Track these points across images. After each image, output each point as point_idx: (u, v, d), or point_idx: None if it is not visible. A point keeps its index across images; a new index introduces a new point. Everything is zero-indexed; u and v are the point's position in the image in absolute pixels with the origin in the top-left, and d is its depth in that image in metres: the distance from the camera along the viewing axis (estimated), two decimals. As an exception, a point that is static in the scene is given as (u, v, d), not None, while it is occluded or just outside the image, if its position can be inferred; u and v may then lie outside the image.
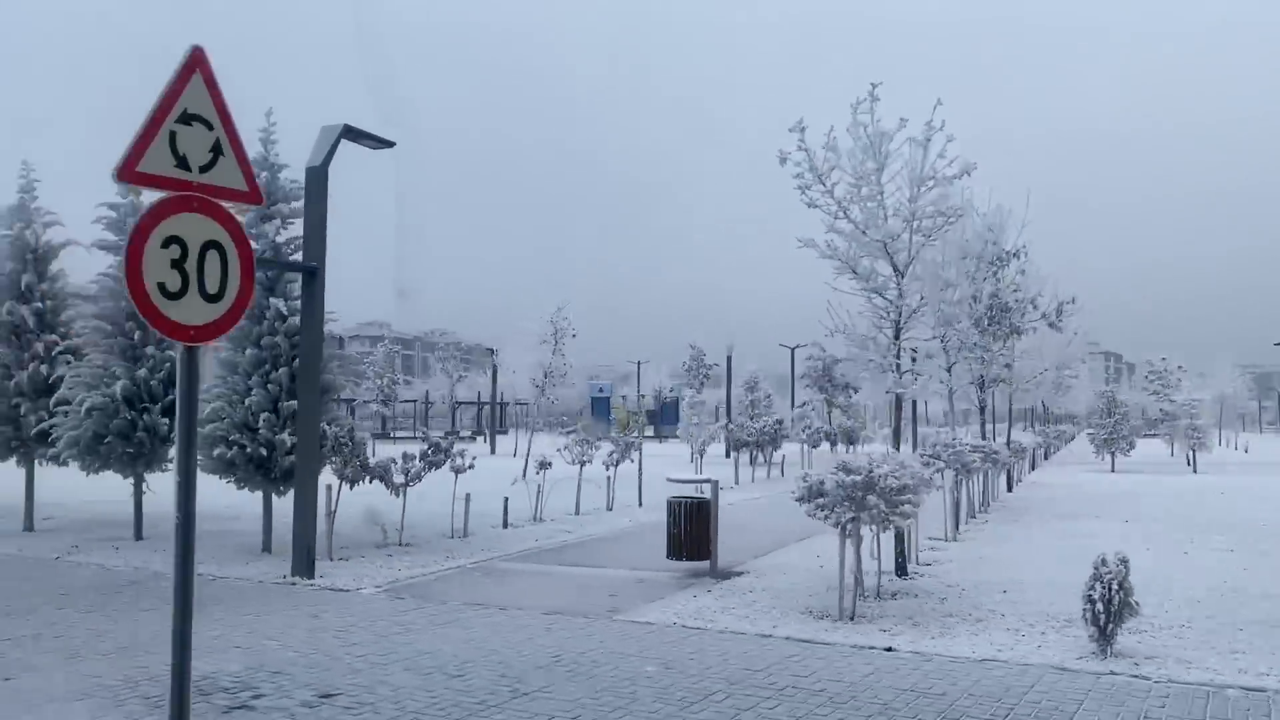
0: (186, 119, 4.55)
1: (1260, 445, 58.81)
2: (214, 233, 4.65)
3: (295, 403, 12.82)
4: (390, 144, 12.32)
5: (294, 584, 10.96)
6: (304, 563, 11.27)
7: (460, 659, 7.57)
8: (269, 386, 12.86)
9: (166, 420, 14.11)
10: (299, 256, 13.38)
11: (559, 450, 19.64)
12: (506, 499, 16.95)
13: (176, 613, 4.55)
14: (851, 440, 41.90)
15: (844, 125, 12.04)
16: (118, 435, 13.78)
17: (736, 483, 28.01)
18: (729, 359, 46.70)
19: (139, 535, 14.52)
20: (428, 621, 8.95)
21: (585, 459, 19.74)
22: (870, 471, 9.26)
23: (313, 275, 11.51)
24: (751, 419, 39.88)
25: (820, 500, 9.32)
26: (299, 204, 13.55)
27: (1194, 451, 35.91)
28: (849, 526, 9.29)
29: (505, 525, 16.62)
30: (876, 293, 12.08)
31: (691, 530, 11.60)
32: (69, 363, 15.13)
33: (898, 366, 12.10)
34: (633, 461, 21.30)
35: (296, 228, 13.54)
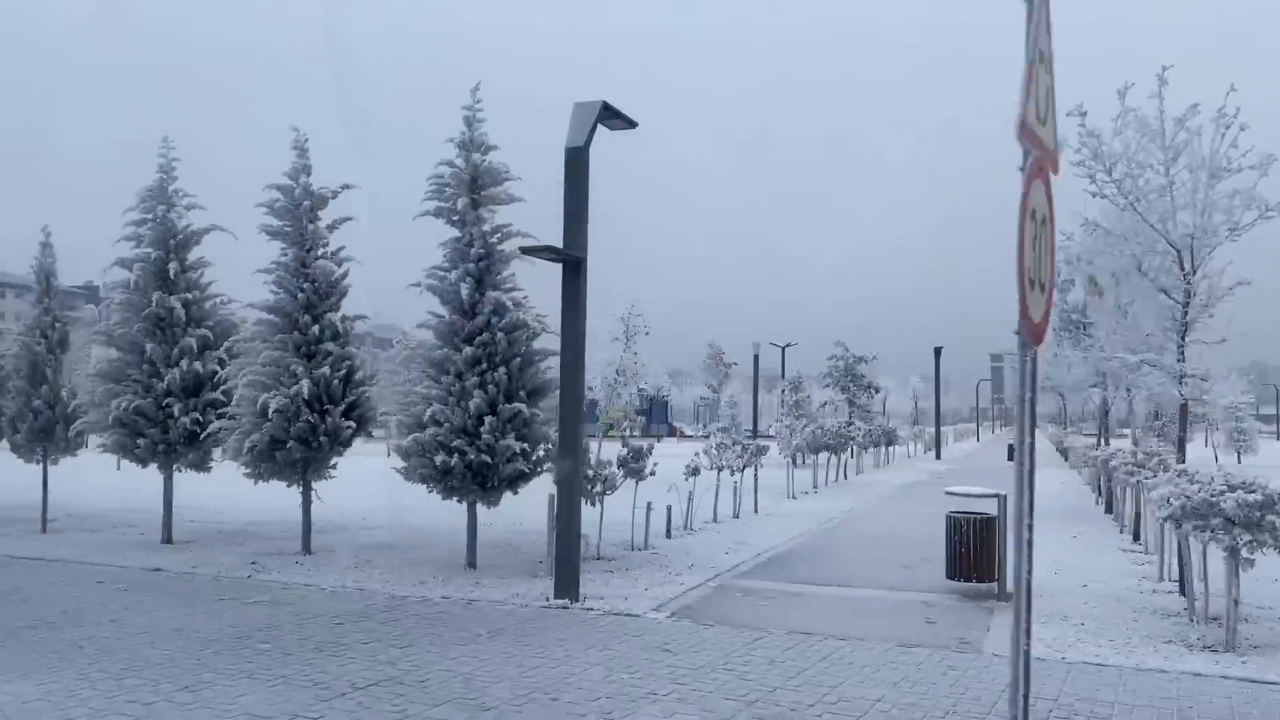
0: (1039, 57, 3.53)
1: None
2: (1044, 207, 3.64)
3: (518, 405, 11.75)
4: (634, 124, 11.24)
5: (568, 608, 9.85)
6: (570, 584, 10.16)
7: (926, 708, 6.59)
8: (487, 388, 11.70)
9: (351, 424, 12.89)
10: (517, 244, 12.29)
11: (696, 455, 18.66)
12: (669, 507, 15.99)
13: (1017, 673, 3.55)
14: (890, 442, 41.28)
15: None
16: (298, 440, 12.52)
17: (815, 487, 27.22)
18: (756, 358, 45.91)
19: (308, 549, 13.26)
20: (798, 658, 7.92)
21: (726, 464, 18.84)
22: (1266, 488, 8.43)
23: (577, 266, 10.39)
24: (796, 418, 39.20)
25: (1208, 522, 8.48)
26: (500, 189, 12.43)
27: (1239, 454, 35.92)
28: (1243, 550, 8.45)
29: (669, 535, 15.68)
30: (1164, 292, 11.29)
31: (977, 549, 10.68)
32: (221, 361, 13.84)
33: (1183, 373, 11.29)
34: (763, 466, 20.47)
35: (502, 215, 12.43)
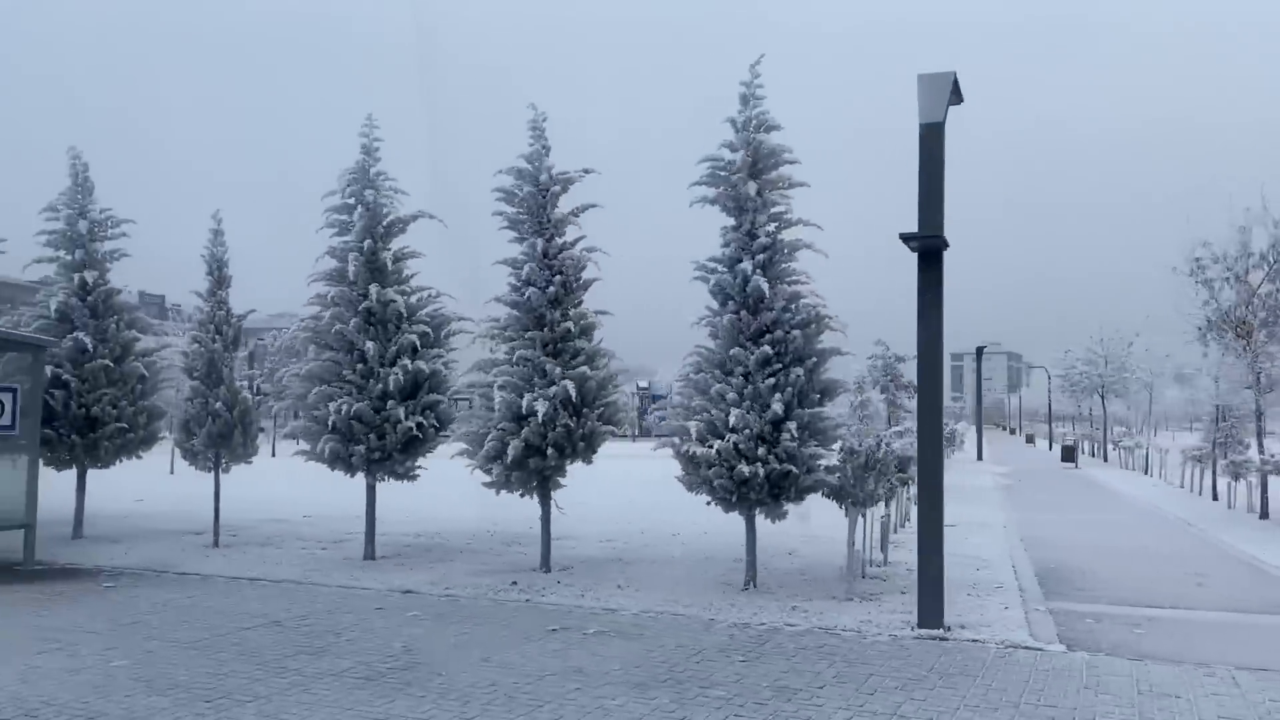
0: None
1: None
2: None
3: (819, 409, 10.74)
4: (961, 100, 10.22)
5: (946, 639, 8.81)
6: (938, 611, 9.13)
7: None
8: (784, 390, 10.63)
9: (611, 428, 11.77)
10: (792, 234, 11.26)
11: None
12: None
13: None
14: (949, 443, 40.59)
15: None
16: (555, 446, 11.37)
17: (923, 491, 26.26)
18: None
19: (546, 566, 12.10)
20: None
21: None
22: None
23: (937, 253, 9.36)
24: (860, 420, 38.36)
25: None
26: (778, 172, 11.37)
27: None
28: None
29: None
30: None
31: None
32: (439, 357, 12.67)
33: None
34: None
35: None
